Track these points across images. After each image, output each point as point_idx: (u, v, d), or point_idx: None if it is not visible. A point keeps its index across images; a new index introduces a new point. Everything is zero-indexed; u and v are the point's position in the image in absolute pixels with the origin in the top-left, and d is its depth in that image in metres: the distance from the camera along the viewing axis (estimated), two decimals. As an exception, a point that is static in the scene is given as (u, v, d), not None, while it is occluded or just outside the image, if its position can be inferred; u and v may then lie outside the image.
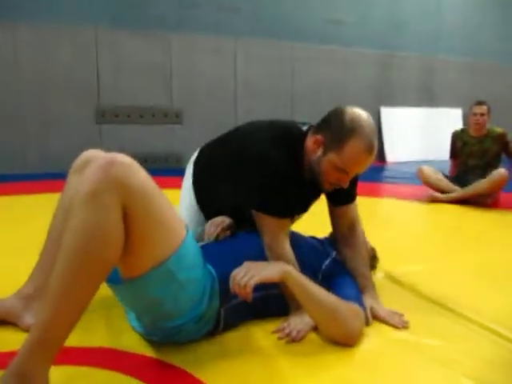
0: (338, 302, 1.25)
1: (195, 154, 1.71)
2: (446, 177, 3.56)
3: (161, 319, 1.15)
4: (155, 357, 1.16)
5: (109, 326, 1.34)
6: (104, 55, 5.15)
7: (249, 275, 1.13)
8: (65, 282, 0.92)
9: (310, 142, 1.36)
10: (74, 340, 1.21)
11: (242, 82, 5.89)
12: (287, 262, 1.29)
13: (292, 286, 1.21)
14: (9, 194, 3.42)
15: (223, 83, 5.78)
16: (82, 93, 5.09)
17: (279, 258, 1.31)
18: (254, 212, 1.36)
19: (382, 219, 3.02)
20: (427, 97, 7.23)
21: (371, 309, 1.40)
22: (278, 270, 1.19)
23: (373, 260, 1.69)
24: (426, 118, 7.11)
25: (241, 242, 1.42)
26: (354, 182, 1.47)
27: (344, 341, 1.24)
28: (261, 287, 1.26)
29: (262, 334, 1.30)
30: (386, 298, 1.59)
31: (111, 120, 5.24)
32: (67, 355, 1.14)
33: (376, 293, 1.46)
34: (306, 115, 6.18)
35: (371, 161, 1.31)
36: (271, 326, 1.33)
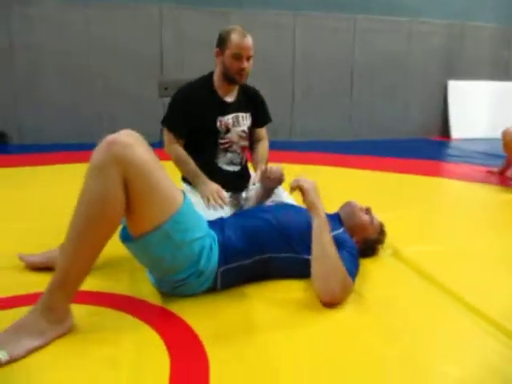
0: (339, 260, 1.38)
1: None
2: None
3: (166, 273, 1.36)
4: (161, 305, 1.37)
5: (131, 277, 1.57)
6: (167, 31, 5.40)
7: (306, 186, 1.45)
8: (78, 234, 1.15)
9: (216, 61, 1.99)
10: (99, 286, 1.47)
11: (300, 57, 5.89)
12: (184, 159, 1.93)
13: (313, 220, 1.43)
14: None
15: (282, 58, 5.82)
16: (146, 67, 5.41)
17: (176, 156, 1.94)
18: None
19: (415, 198, 2.99)
20: (501, 70, 6.77)
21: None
22: (315, 204, 1.44)
23: (380, 235, 1.76)
24: (497, 92, 6.67)
25: (243, 216, 1.62)
26: (265, 110, 2.23)
27: (325, 295, 1.37)
28: (264, 250, 1.43)
29: (256, 295, 1.46)
30: (386, 274, 1.67)
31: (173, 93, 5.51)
32: (91, 297, 1.38)
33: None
34: (368, 90, 6.15)
35: (249, 41, 1.92)
36: (267, 290, 1.49)
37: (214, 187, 1.89)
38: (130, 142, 1.18)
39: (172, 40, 5.44)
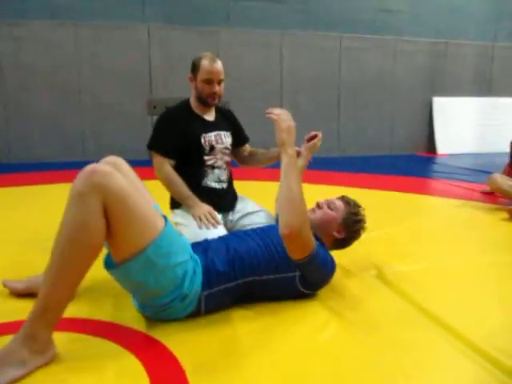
0: (303, 199, 1.44)
1: None
2: None
3: (149, 297, 1.36)
4: (144, 331, 1.38)
5: (115, 302, 1.57)
6: (156, 51, 5.46)
7: (282, 117, 1.51)
8: (59, 262, 1.16)
9: (191, 86, 2.08)
10: (82, 312, 1.46)
11: (287, 74, 5.98)
12: (174, 181, 1.98)
13: (283, 161, 1.49)
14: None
15: (269, 76, 5.90)
16: (135, 86, 5.45)
17: (167, 178, 1.98)
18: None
19: (400, 216, 3.03)
20: (484, 86, 6.92)
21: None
22: (286, 141, 1.49)
23: (350, 208, 1.72)
24: (481, 108, 6.82)
25: (227, 239, 1.61)
26: (242, 129, 2.30)
27: (286, 228, 1.42)
28: (247, 273, 1.44)
29: (240, 319, 1.47)
30: (369, 296, 1.68)
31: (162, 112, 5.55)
32: (73, 324, 1.38)
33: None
34: (354, 107, 6.24)
35: (219, 66, 2.00)
36: (251, 312, 1.50)
37: (206, 208, 1.95)
38: (109, 170, 1.21)
39: (160, 59, 5.49)
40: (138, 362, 1.20)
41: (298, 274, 1.50)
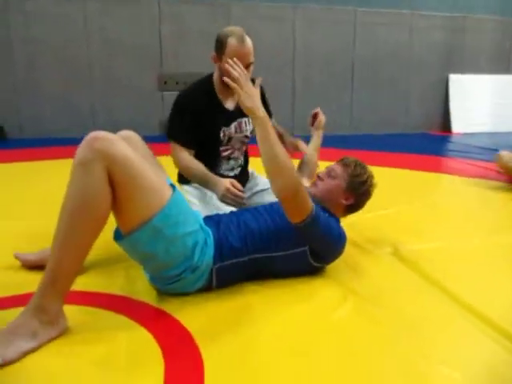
0: (287, 159, 1.36)
1: None
2: None
3: (159, 269, 1.34)
4: (155, 304, 1.36)
5: (126, 275, 1.56)
6: (166, 24, 5.36)
7: (244, 84, 1.38)
8: (66, 232, 1.15)
9: (215, 66, 1.86)
10: (93, 285, 1.46)
11: (301, 49, 5.85)
12: (192, 165, 1.83)
13: (255, 126, 1.39)
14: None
15: (282, 51, 5.78)
16: (145, 60, 5.37)
17: (186, 166, 1.84)
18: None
19: (415, 193, 2.98)
20: (503, 63, 6.72)
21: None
22: (252, 107, 1.37)
23: (351, 168, 1.65)
24: (499, 86, 6.63)
25: (239, 214, 1.57)
26: (267, 107, 2.04)
27: (279, 191, 1.36)
28: (259, 249, 1.42)
29: (251, 293, 1.45)
30: (384, 273, 1.65)
31: (173, 87, 5.49)
32: (84, 297, 1.37)
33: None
34: (368, 83, 6.10)
35: (248, 48, 1.79)
36: (263, 287, 1.48)
37: (227, 183, 1.72)
38: (112, 137, 1.19)
39: (171, 33, 5.39)
40: (149, 335, 1.19)
41: (307, 247, 1.47)
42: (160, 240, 1.25)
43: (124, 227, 1.24)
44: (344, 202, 1.62)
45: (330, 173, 1.65)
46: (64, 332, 1.17)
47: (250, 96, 1.38)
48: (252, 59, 1.80)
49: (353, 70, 6.12)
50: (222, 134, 1.93)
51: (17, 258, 1.57)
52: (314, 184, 1.68)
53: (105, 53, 5.25)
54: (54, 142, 4.73)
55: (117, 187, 1.17)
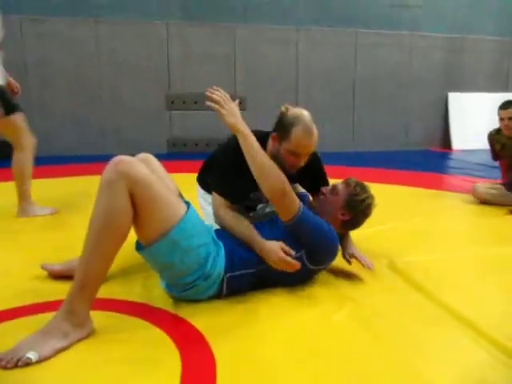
0: (272, 164, 1.57)
1: None
2: (504, 185, 3.24)
3: (175, 276, 1.49)
4: (171, 309, 1.51)
5: (144, 285, 1.70)
6: (174, 46, 5.58)
7: (221, 104, 1.57)
8: (93, 244, 1.30)
9: (270, 140, 1.76)
10: (115, 293, 1.60)
11: (303, 70, 6.06)
12: (238, 222, 1.68)
13: (239, 140, 1.59)
14: (91, 174, 3.94)
15: (285, 72, 5.99)
16: (153, 81, 5.58)
17: (232, 224, 1.69)
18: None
19: (413, 209, 3.10)
20: (501, 82, 6.90)
21: (349, 249, 1.82)
22: (234, 122, 1.57)
23: (352, 188, 1.75)
24: (497, 104, 6.75)
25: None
26: (320, 175, 1.97)
27: (269, 192, 1.56)
28: (263, 260, 1.56)
29: (259, 299, 1.60)
30: (380, 284, 1.78)
31: (180, 107, 5.69)
32: (107, 304, 1.52)
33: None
34: (369, 102, 6.28)
35: (313, 142, 1.68)
36: (269, 294, 1.62)
37: (278, 250, 1.57)
38: (133, 160, 1.37)
39: (178, 55, 5.61)
40: (166, 336, 1.33)
41: (303, 251, 1.60)
42: (177, 250, 1.41)
43: (144, 240, 1.40)
44: (340, 217, 1.75)
45: (332, 190, 1.79)
46: (91, 333, 1.32)
47: (231, 114, 1.59)
48: (313, 149, 1.71)
49: (354, 89, 6.31)
50: (252, 195, 1.87)
51: (44, 268, 1.72)
52: (317, 198, 1.83)
53: (114, 74, 5.47)
54: (65, 161, 4.92)
55: (137, 204, 1.33)
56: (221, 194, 1.76)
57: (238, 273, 1.56)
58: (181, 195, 1.68)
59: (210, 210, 1.90)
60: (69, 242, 1.97)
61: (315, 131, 1.67)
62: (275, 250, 1.56)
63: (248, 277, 1.59)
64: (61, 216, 2.69)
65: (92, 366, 1.20)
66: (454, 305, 1.57)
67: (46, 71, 5.28)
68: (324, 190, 1.81)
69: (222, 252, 1.55)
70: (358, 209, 1.74)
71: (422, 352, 1.31)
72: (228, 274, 1.54)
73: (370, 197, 1.77)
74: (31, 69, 5.22)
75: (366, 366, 1.24)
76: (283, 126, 1.67)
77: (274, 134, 1.71)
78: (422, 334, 1.41)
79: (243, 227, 1.65)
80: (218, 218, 1.74)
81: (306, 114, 1.68)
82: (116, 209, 1.30)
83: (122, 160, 1.34)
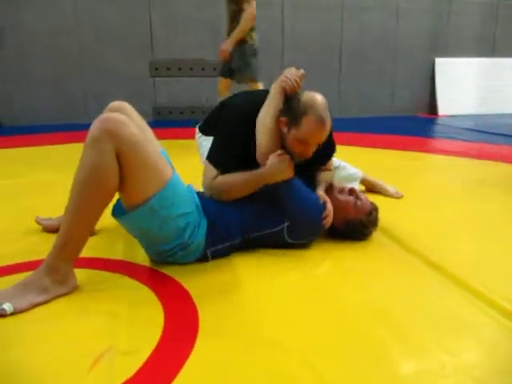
0: (274, 125, 1.57)
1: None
2: None
3: (152, 243, 1.48)
4: (155, 267, 1.51)
5: (126, 244, 1.69)
6: (156, 11, 5.42)
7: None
8: (76, 202, 1.27)
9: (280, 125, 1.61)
10: (100, 252, 1.58)
11: (288, 34, 5.94)
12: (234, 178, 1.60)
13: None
14: (72, 142, 3.86)
15: (270, 36, 5.86)
16: (135, 46, 5.44)
17: (230, 184, 1.60)
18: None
19: (404, 173, 3.11)
20: (487, 47, 6.86)
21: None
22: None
23: (367, 216, 1.72)
24: (484, 69, 6.78)
25: (234, 204, 1.63)
26: (328, 145, 1.75)
27: (259, 146, 1.58)
28: (246, 232, 1.57)
29: (243, 261, 1.59)
30: (369, 246, 1.77)
31: (164, 73, 5.57)
32: (91, 262, 1.51)
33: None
34: (355, 68, 6.21)
35: (325, 132, 1.55)
36: (253, 257, 1.63)
37: (272, 160, 1.55)
38: (122, 119, 1.30)
39: (160, 19, 5.45)
40: (149, 291, 1.33)
41: (285, 224, 1.58)
42: (155, 219, 1.37)
43: (126, 202, 1.36)
44: (335, 222, 1.69)
45: (357, 198, 1.71)
46: (73, 290, 1.31)
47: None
48: (324, 139, 1.58)
49: (340, 54, 6.23)
50: None
51: (38, 222, 1.70)
52: (343, 190, 1.74)
53: (95, 39, 5.31)
54: (47, 129, 4.82)
55: (123, 165, 1.28)
56: (216, 161, 1.65)
57: (221, 246, 1.55)
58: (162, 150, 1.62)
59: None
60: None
61: (329, 121, 1.53)
62: (273, 160, 1.54)
63: (232, 247, 1.58)
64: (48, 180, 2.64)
65: (70, 320, 1.19)
66: (433, 257, 1.59)
67: (23, 37, 5.10)
68: (353, 191, 1.73)
69: (205, 221, 1.51)
70: (350, 233, 1.74)
71: (414, 310, 1.29)
72: (211, 249, 1.53)
73: (370, 231, 1.76)
74: (7, 35, 5.03)
75: (345, 311, 1.25)
76: (294, 113, 1.53)
77: (284, 118, 1.56)
78: (414, 292, 1.39)
79: (241, 174, 1.59)
80: (212, 187, 1.63)
81: (319, 101, 1.52)
82: (102, 166, 1.25)
83: (110, 118, 1.29)
